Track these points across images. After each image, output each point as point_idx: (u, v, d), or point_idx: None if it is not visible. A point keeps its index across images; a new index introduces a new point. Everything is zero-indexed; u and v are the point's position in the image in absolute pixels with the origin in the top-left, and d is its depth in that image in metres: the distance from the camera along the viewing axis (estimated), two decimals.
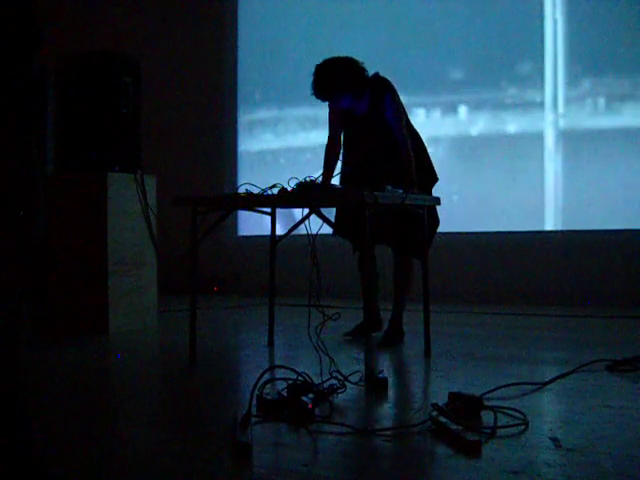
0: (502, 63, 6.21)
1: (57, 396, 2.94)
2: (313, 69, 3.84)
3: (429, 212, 3.80)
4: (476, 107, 6.29)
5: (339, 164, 4.05)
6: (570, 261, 5.87)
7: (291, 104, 6.91)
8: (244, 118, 7.30)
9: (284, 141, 7.08)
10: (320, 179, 3.28)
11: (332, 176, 4.03)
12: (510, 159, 6.17)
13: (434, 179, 4.03)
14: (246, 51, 7.27)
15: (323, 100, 3.91)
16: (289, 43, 6.98)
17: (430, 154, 4.06)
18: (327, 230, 3.40)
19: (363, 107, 3.93)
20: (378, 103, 3.89)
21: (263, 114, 7.20)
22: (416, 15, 6.48)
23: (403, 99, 3.97)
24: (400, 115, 3.89)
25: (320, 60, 3.87)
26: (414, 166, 3.81)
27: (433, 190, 4.04)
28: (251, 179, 3.56)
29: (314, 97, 3.86)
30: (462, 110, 6.33)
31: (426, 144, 4.07)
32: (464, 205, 6.17)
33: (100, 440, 2.36)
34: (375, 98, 3.90)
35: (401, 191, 3.41)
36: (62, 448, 2.23)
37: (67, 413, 2.67)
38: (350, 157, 4.03)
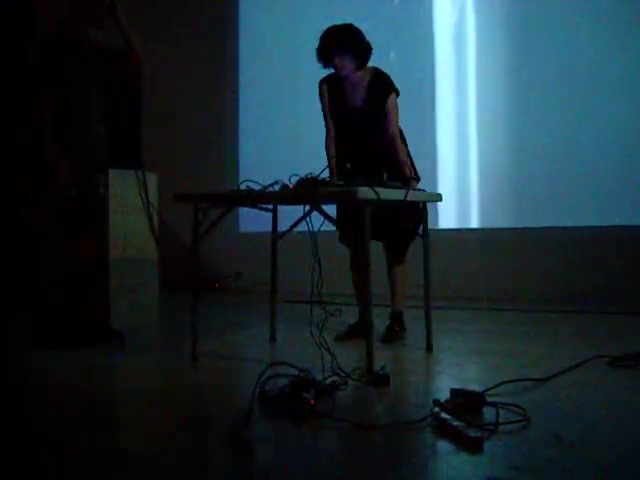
0: None
1: (59, 394, 2.94)
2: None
3: (416, 209, 3.79)
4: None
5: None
6: (571, 257, 5.86)
7: (293, 100, 6.90)
8: (245, 116, 7.29)
9: (285, 139, 7.06)
10: (321, 175, 3.26)
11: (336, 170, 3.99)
12: (516, 150, 6.17)
13: (417, 179, 4.02)
14: (247, 47, 7.26)
15: (328, 56, 3.82)
16: (291, 37, 6.96)
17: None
18: (328, 227, 3.40)
19: (360, 96, 3.91)
20: (377, 97, 3.89)
21: (264, 112, 7.19)
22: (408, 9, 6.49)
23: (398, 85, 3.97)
24: (397, 115, 3.91)
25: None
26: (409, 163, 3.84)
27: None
28: (252, 176, 3.54)
29: (317, 59, 3.82)
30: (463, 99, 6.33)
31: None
32: (466, 201, 6.17)
33: (102, 437, 2.37)
34: (374, 91, 3.89)
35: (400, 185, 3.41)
36: (65, 446, 2.24)
37: (69, 411, 2.67)
38: (346, 150, 3.97)
